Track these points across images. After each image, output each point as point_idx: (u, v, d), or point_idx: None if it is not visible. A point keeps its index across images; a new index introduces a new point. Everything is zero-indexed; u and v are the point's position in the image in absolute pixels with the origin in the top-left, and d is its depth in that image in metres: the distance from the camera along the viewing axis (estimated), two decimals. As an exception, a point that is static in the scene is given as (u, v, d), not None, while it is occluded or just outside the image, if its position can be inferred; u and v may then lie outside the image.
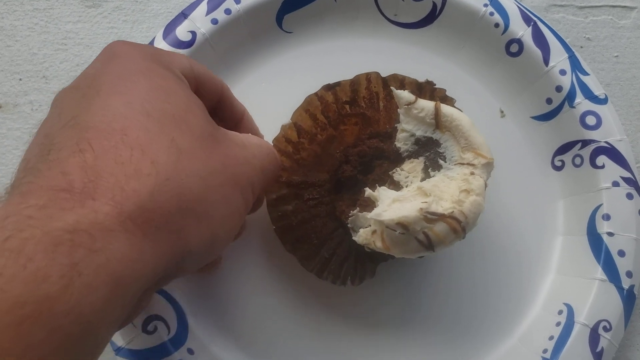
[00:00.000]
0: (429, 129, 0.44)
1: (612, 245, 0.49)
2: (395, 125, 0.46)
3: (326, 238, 0.47)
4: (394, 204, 0.41)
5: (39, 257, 0.23)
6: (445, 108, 0.44)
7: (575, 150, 0.52)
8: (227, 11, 0.52)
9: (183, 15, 0.52)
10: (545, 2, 0.58)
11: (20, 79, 0.55)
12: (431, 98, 0.50)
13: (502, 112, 0.54)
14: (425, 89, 0.50)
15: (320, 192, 0.48)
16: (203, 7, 0.52)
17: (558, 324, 0.48)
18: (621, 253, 0.48)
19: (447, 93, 0.50)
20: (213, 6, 0.52)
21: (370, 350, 0.50)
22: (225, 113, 0.45)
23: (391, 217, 0.39)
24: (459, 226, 0.40)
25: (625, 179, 0.50)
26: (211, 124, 0.35)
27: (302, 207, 0.48)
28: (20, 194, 0.26)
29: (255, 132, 0.47)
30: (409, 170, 0.45)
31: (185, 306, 0.49)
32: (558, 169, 0.53)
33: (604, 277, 0.48)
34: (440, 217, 0.39)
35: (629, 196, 0.49)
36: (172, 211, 0.29)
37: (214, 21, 0.52)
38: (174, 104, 0.33)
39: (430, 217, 0.39)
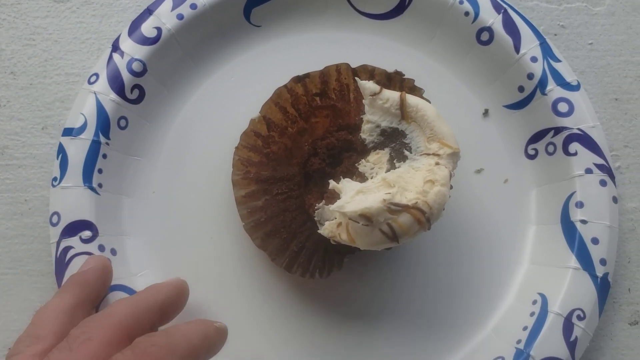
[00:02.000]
0: (395, 119, 0.44)
1: (586, 233, 0.48)
2: (361, 116, 0.45)
3: (296, 232, 0.47)
4: (357, 195, 0.40)
5: None
6: (410, 98, 0.43)
7: (548, 138, 0.51)
8: (193, 6, 0.52)
9: (148, 11, 0.52)
10: (519, -11, 0.57)
11: (-12, 76, 0.55)
12: (400, 88, 0.49)
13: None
14: (394, 80, 0.49)
15: (289, 186, 0.47)
16: (168, 3, 0.52)
17: (532, 314, 0.48)
18: (595, 241, 0.48)
19: (418, 84, 0.50)
20: (179, 1, 0.52)
21: (339, 343, 0.50)
22: None
23: (354, 209, 0.39)
24: (423, 217, 0.39)
25: (599, 166, 0.49)
26: None
27: (272, 202, 0.47)
28: None
29: None
30: (374, 162, 0.44)
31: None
32: (531, 157, 0.53)
33: (578, 265, 0.48)
34: (404, 208, 0.39)
35: (603, 183, 0.49)
36: None
37: (180, 16, 0.51)
38: None
39: (394, 208, 0.39)
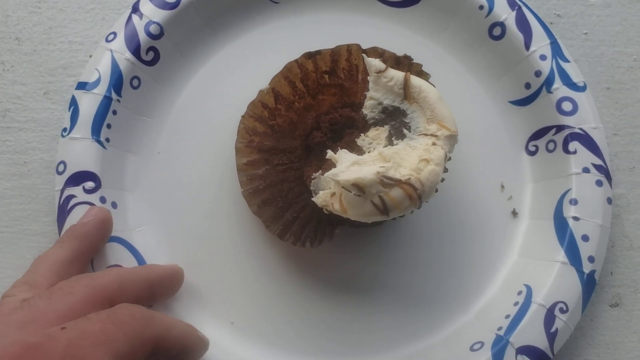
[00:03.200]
0: (397, 98, 0.45)
1: (577, 229, 0.49)
2: (365, 93, 0.46)
3: (292, 202, 0.48)
4: (352, 166, 0.41)
5: None
6: (414, 79, 0.44)
7: (549, 135, 0.52)
8: (216, -24, 0.53)
9: (170, -23, 0.53)
10: (517, -22, 0.58)
11: (-7, 41, 0.57)
12: (408, 71, 0.50)
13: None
14: (402, 63, 0.50)
15: (290, 158, 0.48)
16: (191, -30, 0.53)
17: (516, 303, 0.48)
18: (585, 238, 0.48)
19: (427, 71, 0.51)
20: (201, -29, 0.53)
21: (326, 312, 0.51)
22: None
23: (347, 178, 0.39)
24: (414, 193, 0.40)
25: (597, 166, 0.50)
26: None
27: (272, 172, 0.48)
28: None
29: None
30: (373, 137, 0.45)
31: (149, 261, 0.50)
32: (532, 153, 0.53)
33: (566, 260, 0.48)
34: (397, 182, 0.40)
35: (599, 183, 0.49)
36: None
37: (200, -15, 0.53)
38: None
39: (387, 182, 0.39)
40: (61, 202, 0.49)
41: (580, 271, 0.48)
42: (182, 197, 0.53)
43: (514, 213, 0.52)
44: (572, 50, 0.56)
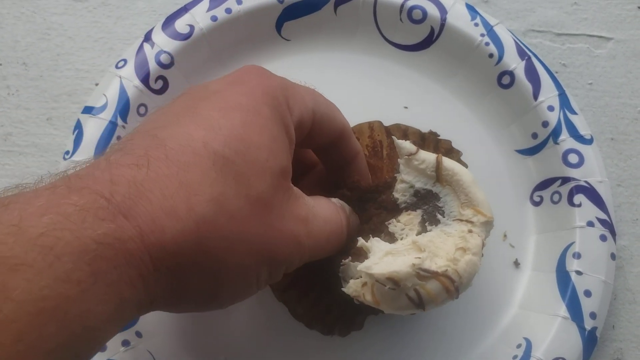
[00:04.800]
0: (429, 181, 0.42)
1: (580, 284, 0.48)
2: (395, 175, 0.44)
3: (314, 284, 0.46)
4: (386, 257, 0.39)
5: (66, 259, 0.25)
6: (447, 161, 0.42)
7: (555, 186, 0.51)
8: (228, 10, 0.53)
9: (184, 9, 0.54)
10: (524, 27, 0.58)
11: (1, 64, 0.56)
12: (435, 149, 0.49)
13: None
14: (428, 140, 0.50)
15: None
16: (205, 3, 0.54)
17: (515, 357, 0.47)
18: (587, 293, 0.47)
19: (435, 117, 0.51)
20: (215, 4, 0.53)
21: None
22: (337, 153, 0.44)
23: (382, 271, 0.37)
24: (452, 286, 0.38)
25: (601, 220, 0.49)
26: (281, 187, 0.34)
27: None
28: (67, 187, 0.27)
29: (364, 174, 0.46)
30: (406, 223, 0.43)
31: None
32: (536, 204, 0.53)
33: (567, 314, 0.47)
34: (434, 274, 0.37)
35: (603, 238, 0.49)
36: (185, 262, 0.29)
37: (214, 18, 0.53)
38: (252, 157, 0.32)
39: (423, 274, 0.37)
40: (58, 226, 0.48)
41: (581, 327, 0.47)
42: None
43: (516, 263, 0.51)
44: (577, 100, 0.56)
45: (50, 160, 0.54)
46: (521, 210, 0.53)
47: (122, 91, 0.51)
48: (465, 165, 0.47)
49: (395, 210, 0.44)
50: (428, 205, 0.43)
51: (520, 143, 0.54)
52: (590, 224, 0.49)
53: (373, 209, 0.46)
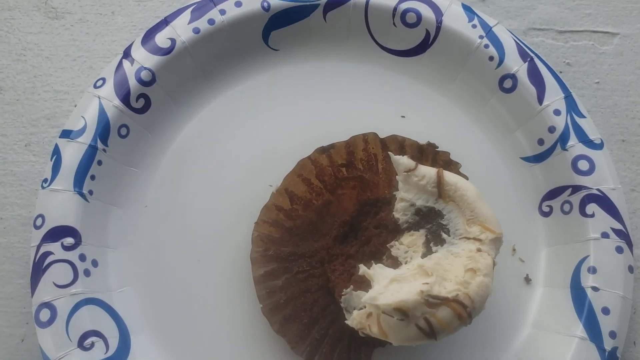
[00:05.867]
0: (431, 198, 0.40)
1: (596, 301, 0.45)
2: (394, 192, 0.42)
3: (318, 316, 0.43)
4: (391, 284, 0.36)
5: None
6: (448, 176, 0.40)
7: (564, 196, 0.48)
8: (211, 21, 0.50)
9: (165, 21, 0.51)
10: (524, 25, 0.56)
11: (-26, 89, 0.54)
12: (433, 161, 0.46)
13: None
14: (427, 152, 0.47)
15: (310, 264, 0.44)
16: (186, 15, 0.51)
17: (530, 382, 0.44)
18: (605, 311, 0.44)
19: (435, 127, 0.48)
20: (197, 15, 0.50)
21: None
22: None
23: (388, 302, 0.35)
24: (464, 311, 0.35)
25: (616, 231, 0.46)
26: None
27: (292, 282, 0.44)
28: None
29: None
30: (409, 244, 0.40)
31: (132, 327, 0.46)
32: (545, 214, 0.50)
33: (585, 335, 0.44)
34: (444, 301, 0.35)
35: (619, 250, 0.46)
36: None
37: (196, 30, 0.50)
38: None
39: (432, 301, 0.35)
40: (37, 260, 0.45)
41: (601, 348, 0.44)
42: (170, 255, 0.49)
43: (527, 279, 0.48)
44: (584, 101, 0.53)
45: (30, 189, 0.51)
46: (530, 221, 0.50)
47: (102, 112, 0.48)
48: (466, 178, 0.44)
49: (396, 230, 0.41)
50: (431, 224, 0.40)
51: (526, 150, 0.51)
52: (604, 235, 0.46)
53: (372, 227, 0.43)
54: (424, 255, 0.39)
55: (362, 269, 0.39)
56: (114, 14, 0.55)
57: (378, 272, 0.38)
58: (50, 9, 0.55)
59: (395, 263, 0.40)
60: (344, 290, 0.41)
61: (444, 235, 0.39)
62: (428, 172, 0.40)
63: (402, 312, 0.35)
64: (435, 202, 0.40)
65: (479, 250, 0.38)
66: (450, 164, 0.46)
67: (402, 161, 0.40)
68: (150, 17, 0.55)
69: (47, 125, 0.52)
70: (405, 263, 0.39)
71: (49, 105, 0.53)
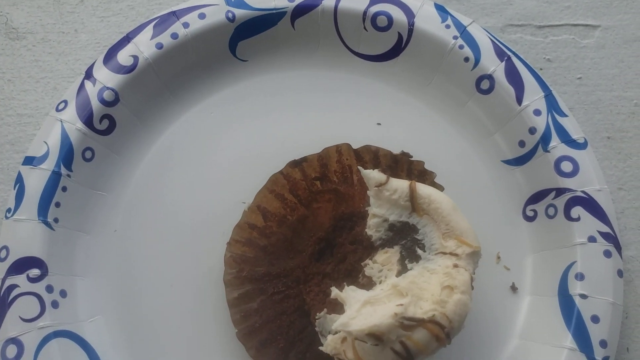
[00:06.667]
0: (405, 212, 0.38)
1: (585, 309, 0.43)
2: (366, 208, 0.40)
3: (294, 340, 0.42)
4: (364, 307, 0.35)
5: None
6: (421, 188, 0.38)
7: (549, 199, 0.46)
8: (174, 35, 0.49)
9: (127, 38, 0.49)
10: (501, 22, 0.54)
11: None
12: (408, 172, 0.45)
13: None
14: (401, 161, 0.45)
15: (286, 284, 0.43)
16: (149, 30, 0.49)
17: (518, 398, 0.42)
18: (595, 319, 0.43)
19: (411, 132, 0.46)
20: (159, 30, 0.49)
21: None
22: None
23: (360, 327, 0.33)
24: (442, 332, 0.34)
25: (604, 234, 0.44)
26: None
27: (268, 304, 0.42)
28: None
29: None
30: (383, 262, 0.39)
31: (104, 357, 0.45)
32: (530, 219, 0.48)
33: (574, 345, 0.42)
34: (420, 322, 0.33)
35: (607, 254, 0.44)
36: None
37: (159, 46, 0.48)
38: None
39: (407, 324, 0.33)
40: (2, 293, 0.43)
41: (591, 358, 0.42)
42: (142, 281, 0.47)
43: (513, 288, 0.47)
44: (566, 98, 0.51)
45: (-8, 219, 0.49)
46: (514, 227, 0.48)
47: (65, 136, 0.46)
48: (441, 189, 0.42)
49: (372, 247, 0.40)
50: (406, 240, 0.39)
51: (506, 153, 0.49)
52: (591, 239, 0.44)
53: (348, 243, 0.41)
54: (399, 274, 0.37)
55: (335, 292, 0.37)
56: (77, 31, 0.53)
57: (350, 295, 0.36)
58: (11, 29, 0.53)
59: (370, 282, 0.38)
60: (318, 314, 0.39)
61: (419, 251, 0.38)
62: (400, 185, 0.38)
63: (375, 337, 0.33)
64: (409, 216, 0.38)
65: (455, 265, 0.36)
66: (425, 174, 0.45)
67: (373, 175, 0.38)
68: (114, 33, 0.53)
69: (12, 151, 0.51)
70: (380, 283, 0.38)
71: (12, 130, 0.51)
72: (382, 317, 0.33)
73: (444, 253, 0.37)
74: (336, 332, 0.37)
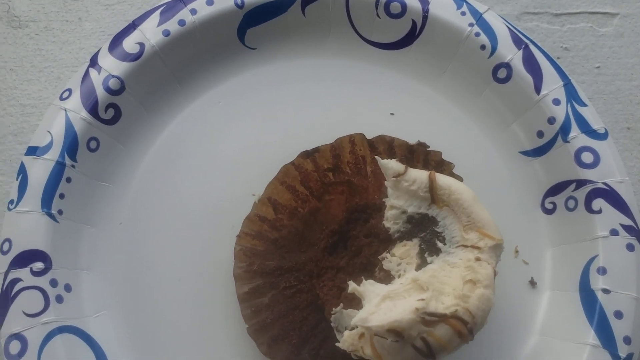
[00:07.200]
0: (424, 204, 0.37)
1: (608, 304, 0.42)
2: (383, 199, 0.39)
3: (307, 336, 0.41)
4: (383, 302, 0.34)
5: None
6: (441, 179, 0.37)
7: (568, 191, 0.45)
8: (181, 22, 0.47)
9: (133, 25, 0.47)
10: (517, 9, 0.52)
11: None
12: (425, 163, 0.43)
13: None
14: (417, 152, 0.44)
15: (298, 278, 0.41)
16: (155, 17, 0.47)
17: (540, 396, 0.41)
18: (618, 314, 0.41)
19: (425, 122, 0.45)
20: (166, 17, 0.47)
21: None
22: None
23: (380, 323, 0.32)
24: (464, 328, 0.33)
25: (626, 227, 0.43)
26: None
27: (279, 299, 0.41)
28: None
29: None
30: (402, 256, 0.37)
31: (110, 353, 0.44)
32: (549, 212, 0.47)
33: (597, 342, 0.41)
34: (442, 318, 0.32)
35: (630, 247, 0.43)
36: None
37: (166, 33, 0.47)
38: None
39: (429, 319, 0.32)
40: (4, 287, 0.42)
41: (615, 355, 0.41)
42: (149, 275, 0.46)
43: (532, 283, 0.45)
44: (585, 87, 0.50)
45: (-5, 212, 0.47)
46: (532, 220, 0.47)
47: (69, 126, 0.45)
48: (460, 179, 0.41)
49: (388, 240, 0.38)
50: (425, 232, 0.37)
51: (525, 144, 0.48)
52: (613, 232, 0.43)
53: (362, 236, 0.40)
54: (418, 267, 0.36)
55: (352, 286, 0.36)
56: (81, 20, 0.52)
57: (369, 290, 0.35)
58: (13, 18, 0.52)
59: (387, 276, 0.37)
60: (334, 309, 0.38)
61: (440, 244, 0.37)
62: (419, 175, 0.37)
63: (396, 333, 0.32)
64: (428, 208, 0.37)
65: (477, 259, 0.35)
66: (442, 165, 0.43)
67: (391, 165, 0.37)
68: (120, 21, 0.52)
69: (14, 142, 0.49)
70: (399, 277, 0.36)
71: (15, 120, 0.50)
72: (402, 312, 0.32)
73: (465, 246, 0.36)
74: (353, 328, 0.35)
